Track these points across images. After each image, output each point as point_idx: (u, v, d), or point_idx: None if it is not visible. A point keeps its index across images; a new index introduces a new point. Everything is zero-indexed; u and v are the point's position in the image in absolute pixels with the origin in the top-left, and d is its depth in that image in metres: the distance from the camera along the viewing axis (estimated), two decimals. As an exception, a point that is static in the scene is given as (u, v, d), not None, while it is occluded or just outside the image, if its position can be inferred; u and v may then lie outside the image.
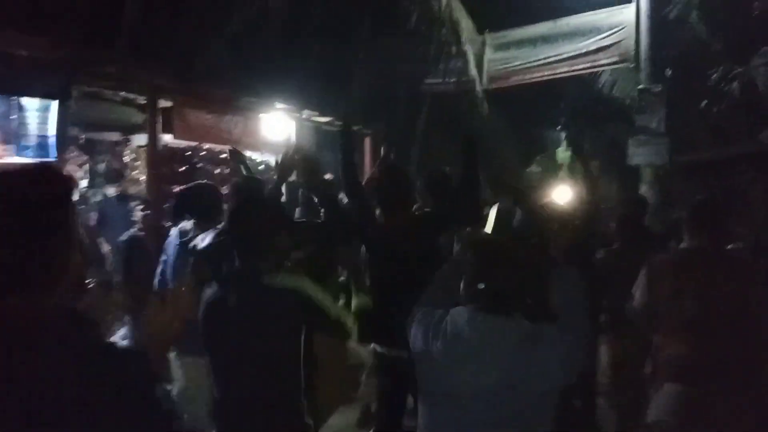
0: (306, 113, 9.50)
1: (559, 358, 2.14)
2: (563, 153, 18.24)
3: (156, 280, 4.36)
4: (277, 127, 9.28)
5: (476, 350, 2.11)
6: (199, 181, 4.92)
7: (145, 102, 6.96)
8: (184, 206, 4.23)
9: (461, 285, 2.29)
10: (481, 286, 2.19)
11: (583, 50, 12.66)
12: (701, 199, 3.85)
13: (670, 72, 12.15)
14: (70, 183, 1.51)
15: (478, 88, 13.00)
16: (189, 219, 4.15)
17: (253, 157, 8.92)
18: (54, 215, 1.41)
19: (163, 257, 4.37)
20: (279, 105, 8.88)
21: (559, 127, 18.94)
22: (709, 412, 3.09)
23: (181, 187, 4.66)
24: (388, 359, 3.70)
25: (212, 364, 2.72)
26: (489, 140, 13.70)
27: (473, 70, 12.94)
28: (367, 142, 11.53)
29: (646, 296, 3.54)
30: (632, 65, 12.34)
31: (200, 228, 3.94)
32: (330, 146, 11.48)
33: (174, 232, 4.33)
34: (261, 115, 8.87)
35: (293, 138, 9.45)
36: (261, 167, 8.94)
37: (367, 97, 11.97)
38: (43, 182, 1.44)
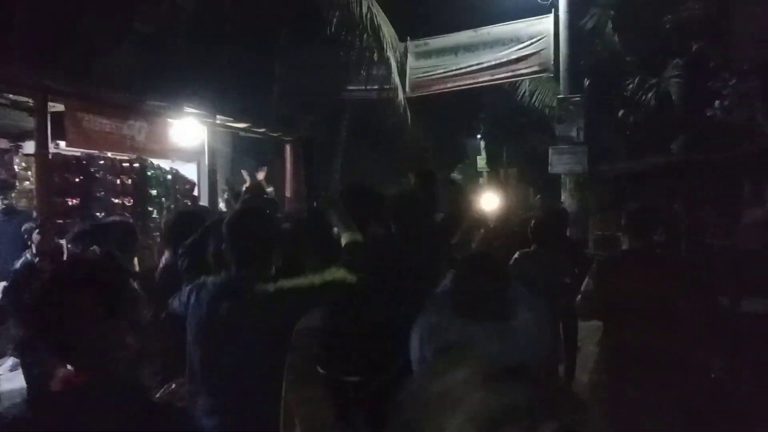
0: (220, 119, 8.88)
1: (530, 345, 2.34)
2: (482, 161, 18.29)
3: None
4: (188, 134, 8.63)
5: (463, 352, 2.12)
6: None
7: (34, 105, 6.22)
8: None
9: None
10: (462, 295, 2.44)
11: (504, 59, 12.63)
12: (637, 206, 4.03)
13: (588, 82, 12.20)
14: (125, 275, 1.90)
15: (401, 96, 12.73)
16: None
17: (161, 165, 8.24)
18: (109, 301, 1.65)
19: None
20: (189, 110, 8.24)
21: (479, 135, 18.99)
22: (636, 400, 3.31)
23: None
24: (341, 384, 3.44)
25: (196, 367, 2.67)
26: (411, 148, 13.44)
27: (395, 78, 12.65)
28: (288, 149, 11.01)
29: (594, 291, 3.81)
30: (551, 75, 12.39)
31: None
32: (247, 152, 10.92)
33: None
34: (169, 121, 8.20)
35: (206, 145, 8.81)
36: (169, 176, 8.26)
37: (286, 104, 11.46)
38: (100, 272, 1.71)
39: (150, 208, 7.52)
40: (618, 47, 12.62)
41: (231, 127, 9.46)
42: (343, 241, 2.89)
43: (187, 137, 9.03)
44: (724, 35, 10.38)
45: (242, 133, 10.75)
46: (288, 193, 11.15)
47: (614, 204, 10.82)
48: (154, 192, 7.63)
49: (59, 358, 1.65)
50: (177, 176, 8.46)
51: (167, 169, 8.30)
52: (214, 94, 8.90)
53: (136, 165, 7.56)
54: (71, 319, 1.60)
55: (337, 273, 2.66)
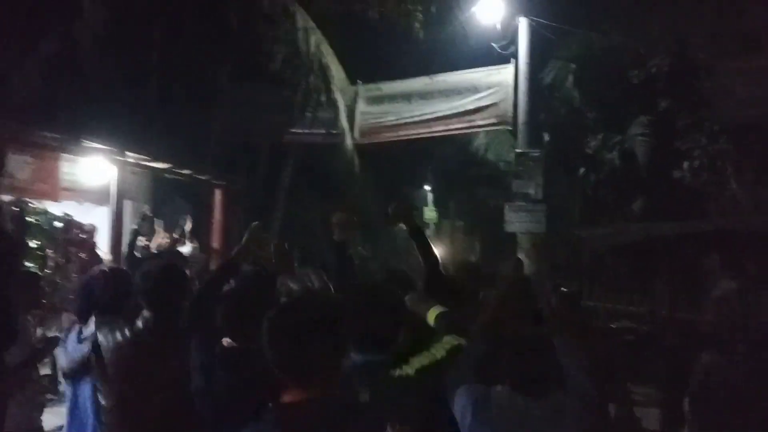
0: (133, 157, 7.39)
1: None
2: (430, 212, 17.32)
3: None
4: (90, 172, 7.11)
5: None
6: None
7: None
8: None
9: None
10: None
11: (460, 109, 11.61)
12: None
13: (547, 137, 11.19)
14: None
15: (349, 141, 11.48)
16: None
17: (47, 210, 6.65)
18: None
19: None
20: (90, 145, 6.73)
21: (428, 186, 18.06)
22: None
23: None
24: None
25: None
26: (358, 196, 12.18)
27: (344, 122, 11.42)
28: (218, 194, 9.54)
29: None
30: (509, 128, 11.38)
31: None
32: (166, 196, 9.39)
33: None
34: (64, 156, 6.67)
35: (114, 186, 7.28)
36: (57, 223, 6.66)
37: (220, 144, 10.02)
38: None
39: (30, 264, 5.90)
40: (578, 102, 11.70)
41: (147, 167, 7.94)
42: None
43: (92, 177, 7.48)
44: (694, 94, 9.49)
45: (168, 176, 9.25)
46: (215, 244, 9.62)
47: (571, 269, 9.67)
48: (34, 243, 6.02)
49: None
50: (70, 223, 6.85)
51: (58, 214, 6.69)
52: (128, 129, 7.41)
53: (14, 209, 5.95)
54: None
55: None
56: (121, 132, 7.35)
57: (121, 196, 7.46)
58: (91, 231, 7.09)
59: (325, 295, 3.25)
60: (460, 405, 2.37)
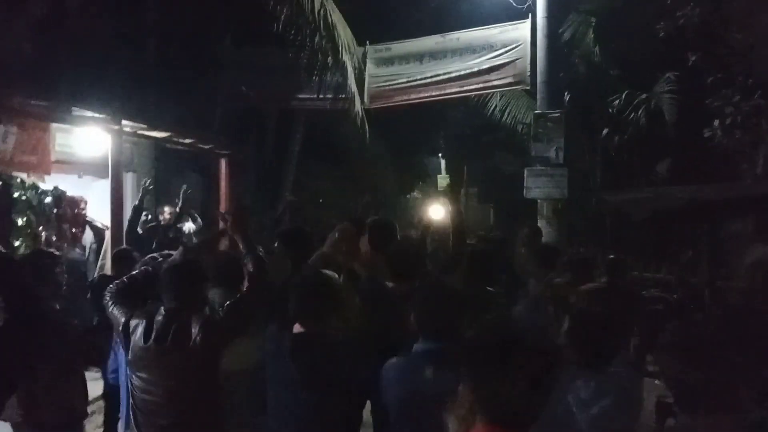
0: (129, 126, 6.89)
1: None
2: (444, 180, 16.79)
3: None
4: (85, 143, 6.63)
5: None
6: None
7: None
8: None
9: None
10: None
11: (474, 69, 11.01)
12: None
13: (568, 97, 10.54)
14: None
15: (358, 106, 10.89)
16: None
17: (37, 184, 6.19)
18: None
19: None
20: (81, 113, 6.23)
21: (441, 153, 17.46)
22: None
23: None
24: None
25: None
26: (369, 165, 11.67)
27: (352, 86, 10.80)
28: (223, 163, 9.05)
29: None
30: (527, 88, 10.76)
31: None
32: (170, 167, 8.92)
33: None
34: (56, 126, 6.18)
35: (110, 156, 6.80)
36: (47, 198, 6.21)
37: (222, 112, 9.48)
38: None
39: (16, 242, 5.46)
40: (600, 59, 11.00)
41: (146, 136, 7.45)
42: None
43: (89, 148, 7.00)
44: (726, 47, 8.81)
45: (162, 144, 8.76)
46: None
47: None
48: (20, 220, 5.56)
49: None
50: (61, 198, 6.39)
51: (48, 188, 6.23)
52: (124, 96, 6.89)
53: (-1, 184, 5.50)
54: None
55: None
56: (117, 99, 6.86)
57: (119, 168, 6.97)
58: (78, 203, 6.62)
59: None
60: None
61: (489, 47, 10.85)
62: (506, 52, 10.76)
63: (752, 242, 7.19)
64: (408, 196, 16.53)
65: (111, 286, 3.08)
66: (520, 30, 10.58)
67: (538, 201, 10.56)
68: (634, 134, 9.81)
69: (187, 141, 8.22)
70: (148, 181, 7.11)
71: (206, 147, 8.74)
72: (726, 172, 8.86)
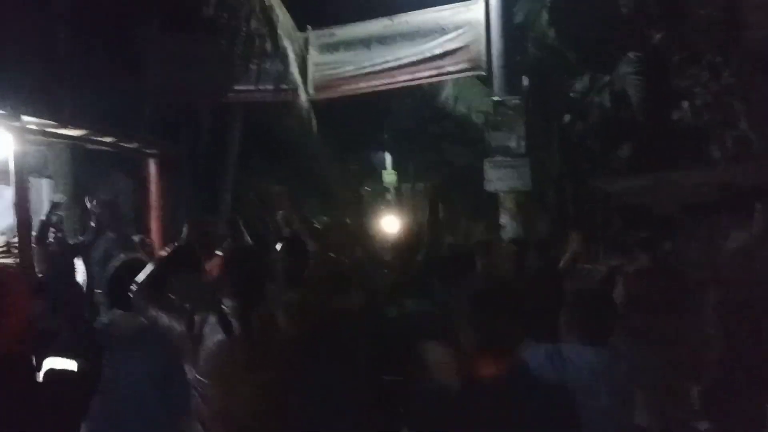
0: (33, 123, 5.80)
1: None
2: (389, 175, 16.03)
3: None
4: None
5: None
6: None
7: None
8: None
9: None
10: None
11: (426, 54, 10.35)
12: None
13: (527, 82, 9.95)
14: None
15: (303, 97, 10.02)
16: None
17: None
18: None
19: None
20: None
21: (385, 148, 16.71)
22: None
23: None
24: None
25: None
26: (314, 161, 10.82)
27: (295, 75, 9.93)
28: (152, 165, 8.00)
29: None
30: (483, 73, 10.11)
31: None
32: (91, 170, 7.82)
33: None
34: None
35: (11, 160, 5.69)
36: None
37: (149, 106, 8.42)
38: None
39: None
40: (556, 41, 10.45)
41: (56, 135, 6.35)
42: None
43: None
44: (692, 22, 8.37)
45: (90, 147, 7.65)
46: (153, 224, 8.11)
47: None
48: None
49: None
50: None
51: None
52: (26, 87, 5.79)
53: None
54: None
55: None
56: (17, 92, 5.75)
57: (23, 173, 5.86)
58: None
59: None
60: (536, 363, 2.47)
61: (440, 30, 10.19)
62: (459, 35, 10.12)
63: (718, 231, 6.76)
64: (355, 193, 15.75)
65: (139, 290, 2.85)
66: (473, 11, 9.96)
67: (500, 194, 10.00)
68: (598, 119, 9.30)
69: (108, 140, 7.14)
70: (59, 195, 6.05)
71: (131, 146, 7.67)
72: (694, 155, 8.42)
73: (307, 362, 2.99)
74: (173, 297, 2.95)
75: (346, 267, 3.88)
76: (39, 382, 2.02)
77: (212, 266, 4.09)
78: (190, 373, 2.78)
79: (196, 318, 2.79)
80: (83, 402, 2.22)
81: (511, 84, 9.81)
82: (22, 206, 6.02)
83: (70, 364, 2.18)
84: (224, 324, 2.76)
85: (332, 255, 3.67)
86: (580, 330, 2.60)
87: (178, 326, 2.77)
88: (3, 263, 2.70)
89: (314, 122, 9.99)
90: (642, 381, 2.76)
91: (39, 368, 2.08)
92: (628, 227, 7.22)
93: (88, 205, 6.29)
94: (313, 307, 3.00)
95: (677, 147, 8.51)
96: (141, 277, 2.90)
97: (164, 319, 2.81)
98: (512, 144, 9.83)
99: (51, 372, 2.07)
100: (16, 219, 6.01)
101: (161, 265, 2.99)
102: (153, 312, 2.83)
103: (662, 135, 8.67)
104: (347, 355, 3.23)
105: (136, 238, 6.65)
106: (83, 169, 8.20)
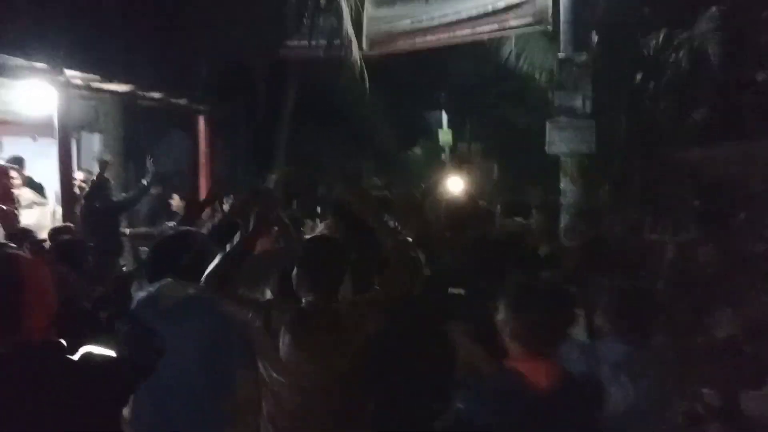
0: (78, 77, 5.68)
1: None
2: (445, 135, 15.57)
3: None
4: (26, 98, 5.45)
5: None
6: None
7: None
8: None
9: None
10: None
11: (488, 8, 9.80)
12: None
13: (596, 38, 9.29)
14: None
15: (356, 53, 9.65)
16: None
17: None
18: None
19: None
20: (20, 61, 5.03)
21: (443, 107, 16.23)
22: None
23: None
24: None
25: None
26: (367, 121, 10.50)
27: (349, 30, 9.55)
28: (201, 122, 7.87)
29: None
30: (549, 28, 9.49)
31: None
32: (141, 127, 7.73)
33: None
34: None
35: (56, 115, 5.61)
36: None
37: (199, 62, 8.23)
38: None
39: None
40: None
41: (101, 90, 6.24)
42: None
43: (34, 105, 5.83)
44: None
45: (141, 103, 7.58)
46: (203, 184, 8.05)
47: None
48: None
49: None
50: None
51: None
52: (71, 42, 5.65)
53: None
54: None
55: None
56: (61, 46, 5.60)
57: (67, 128, 5.79)
58: (5, 173, 5.48)
59: None
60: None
61: (504, -18, 9.55)
62: (524, -13, 9.47)
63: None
64: (409, 152, 15.43)
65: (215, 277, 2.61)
66: (540, -39, 9.28)
67: (561, 158, 9.49)
68: (673, 80, 8.58)
69: (155, 95, 7.00)
70: (107, 153, 5.96)
71: (180, 103, 7.53)
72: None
73: (389, 360, 2.76)
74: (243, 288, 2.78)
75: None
76: (74, 368, 1.83)
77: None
78: (266, 371, 2.62)
79: (274, 312, 2.60)
80: (125, 387, 2.01)
81: (578, 40, 9.22)
82: (65, 160, 5.97)
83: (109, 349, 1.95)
84: (303, 319, 2.58)
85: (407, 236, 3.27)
86: (617, 328, 2.49)
87: (256, 321, 2.57)
88: (15, 253, 2.33)
89: (367, 79, 9.61)
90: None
91: (74, 352, 1.89)
92: (704, 200, 6.63)
93: (148, 163, 6.16)
94: (395, 298, 2.69)
95: (761, 113, 7.78)
96: (212, 266, 2.65)
97: (242, 313, 2.62)
98: (577, 104, 9.28)
99: (88, 356, 1.87)
100: (59, 174, 5.98)
101: (234, 256, 2.74)
102: (228, 306, 2.66)
103: (745, 99, 7.93)
104: (428, 351, 2.93)
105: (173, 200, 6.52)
106: (132, 126, 8.12)
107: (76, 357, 1.83)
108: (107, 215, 5.99)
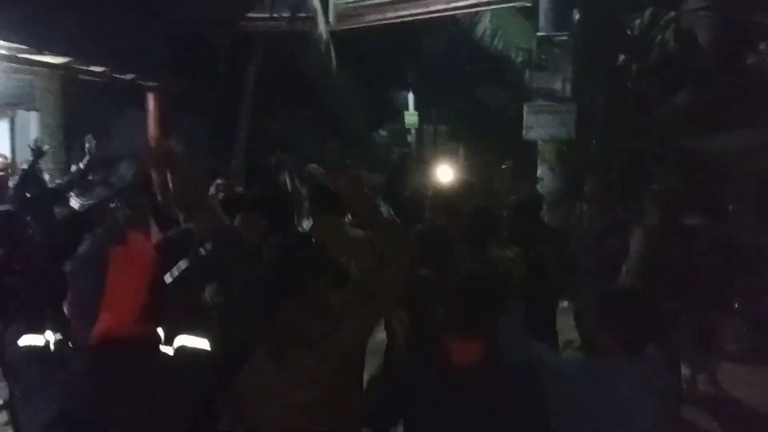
0: (6, 47, 4.93)
1: None
2: (411, 116, 15.11)
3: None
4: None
5: None
6: None
7: None
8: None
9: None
10: None
11: (464, -18, 9.09)
12: None
13: (577, 16, 8.81)
14: None
15: (322, 27, 9.04)
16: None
17: None
18: None
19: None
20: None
21: (410, 88, 15.71)
22: None
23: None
24: None
25: None
26: (334, 100, 9.91)
27: (314, 2, 8.90)
28: (150, 98, 7.15)
29: None
30: (528, 4, 9.03)
31: None
32: (82, 105, 6.98)
33: None
34: None
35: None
36: None
37: (147, 32, 7.47)
38: None
39: None
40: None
41: (32, 62, 5.48)
42: None
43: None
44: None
45: (83, 77, 6.82)
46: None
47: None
48: None
49: None
50: None
51: None
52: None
53: None
54: None
55: None
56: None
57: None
58: None
59: None
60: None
61: (479, -46, 9.01)
62: (501, -41, 8.95)
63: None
64: (374, 133, 14.92)
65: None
66: (517, -70, 8.76)
67: (539, 143, 9.03)
68: (659, 61, 8.14)
69: (97, 70, 6.26)
70: (40, 138, 5.22)
71: (125, 78, 6.79)
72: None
73: None
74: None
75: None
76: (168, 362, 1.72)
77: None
78: None
79: None
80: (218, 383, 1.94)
81: (558, 18, 8.79)
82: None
83: (203, 343, 1.80)
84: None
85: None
86: (612, 336, 2.12)
87: None
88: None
89: (333, 56, 8.99)
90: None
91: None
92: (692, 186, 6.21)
93: (87, 144, 5.42)
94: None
95: (751, 98, 7.39)
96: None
97: None
98: (557, 86, 8.85)
99: (182, 350, 1.76)
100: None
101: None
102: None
103: (735, 82, 7.54)
104: None
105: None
106: (72, 104, 7.34)
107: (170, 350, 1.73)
108: (41, 205, 5.28)
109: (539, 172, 9.05)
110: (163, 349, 1.72)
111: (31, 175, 5.23)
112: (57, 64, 5.85)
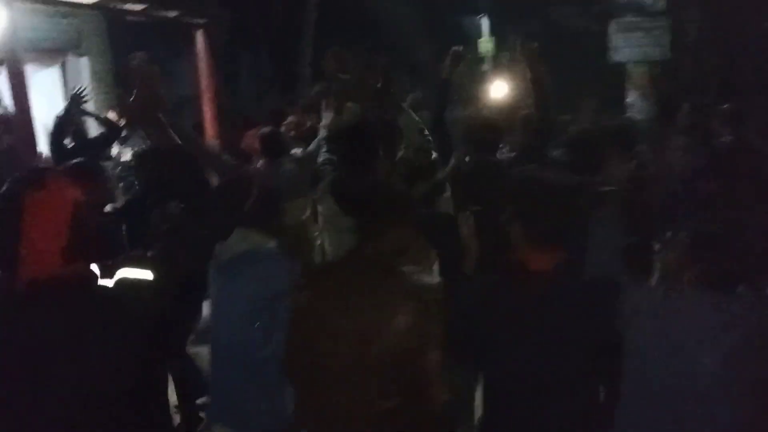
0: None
1: None
2: (485, 43, 14.19)
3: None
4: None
5: None
6: None
7: None
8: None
9: None
10: None
11: None
12: None
13: None
14: None
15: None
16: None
17: None
18: None
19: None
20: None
21: (481, 12, 14.67)
22: None
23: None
24: None
25: None
26: (398, 29, 9.28)
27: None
28: (199, 38, 6.76)
29: None
30: None
31: None
32: (131, 47, 6.64)
33: None
34: None
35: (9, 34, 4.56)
36: None
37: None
38: None
39: None
40: None
41: (64, 3, 5.11)
42: None
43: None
44: None
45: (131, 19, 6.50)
46: (206, 109, 7.01)
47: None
48: None
49: None
50: None
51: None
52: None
53: None
54: None
55: None
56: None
57: (16, 51, 4.70)
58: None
59: None
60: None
61: None
62: None
63: None
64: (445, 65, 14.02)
65: None
66: None
67: (627, 66, 8.08)
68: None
69: (137, 8, 5.84)
70: (81, 86, 4.85)
71: (170, 15, 6.36)
72: None
73: None
74: None
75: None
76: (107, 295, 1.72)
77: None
78: None
79: None
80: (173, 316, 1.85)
81: None
82: (18, 90, 4.90)
83: (145, 274, 1.79)
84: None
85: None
86: (704, 272, 1.92)
87: None
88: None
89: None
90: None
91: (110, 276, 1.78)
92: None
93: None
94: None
95: None
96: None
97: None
98: (648, 1, 7.86)
99: (123, 281, 1.75)
100: (13, 104, 4.94)
101: None
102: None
103: None
104: None
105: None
106: (120, 47, 7.02)
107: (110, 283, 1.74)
108: (82, 154, 4.98)
109: (628, 99, 8.17)
110: (103, 282, 1.70)
111: (66, 124, 4.89)
112: (93, 3, 5.47)
